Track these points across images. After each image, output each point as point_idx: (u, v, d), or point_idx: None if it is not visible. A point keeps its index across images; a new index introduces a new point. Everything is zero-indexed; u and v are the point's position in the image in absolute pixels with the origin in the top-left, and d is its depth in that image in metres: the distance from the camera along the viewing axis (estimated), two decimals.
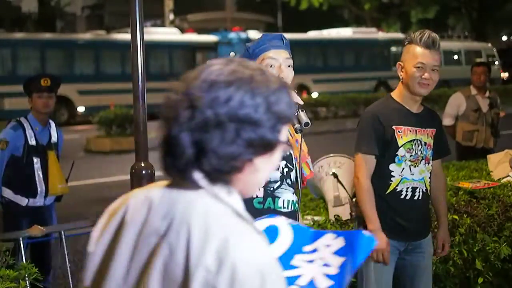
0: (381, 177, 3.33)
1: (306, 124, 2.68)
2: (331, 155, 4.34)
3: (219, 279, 1.29)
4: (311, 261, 1.82)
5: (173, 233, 1.36)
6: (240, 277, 1.28)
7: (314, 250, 1.85)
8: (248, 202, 1.88)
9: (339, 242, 1.83)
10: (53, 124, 5.02)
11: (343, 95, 21.66)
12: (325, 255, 1.82)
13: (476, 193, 4.32)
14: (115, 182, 10.77)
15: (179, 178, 1.42)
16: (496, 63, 29.74)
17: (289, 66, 2.77)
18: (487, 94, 7.20)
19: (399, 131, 3.32)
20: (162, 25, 31.17)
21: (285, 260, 1.83)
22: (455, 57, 29.23)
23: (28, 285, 3.10)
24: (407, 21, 35.85)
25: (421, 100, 3.42)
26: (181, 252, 1.34)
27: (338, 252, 1.81)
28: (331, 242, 1.85)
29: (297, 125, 2.71)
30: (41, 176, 4.82)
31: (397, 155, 3.32)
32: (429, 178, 3.42)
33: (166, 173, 1.44)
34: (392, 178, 3.33)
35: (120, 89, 20.29)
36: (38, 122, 4.87)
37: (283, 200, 2.76)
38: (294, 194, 2.82)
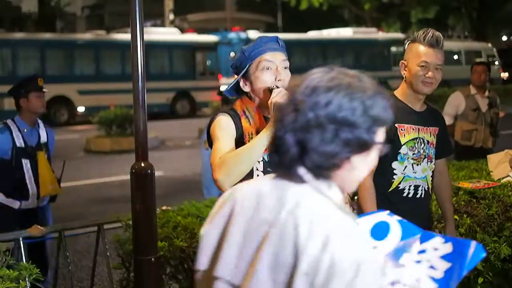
0: (383, 175, 3.31)
1: None
2: None
3: (320, 266, 1.43)
4: (418, 262, 1.85)
5: (282, 223, 1.51)
6: (337, 267, 1.42)
7: (423, 251, 1.87)
8: None
9: (447, 248, 1.84)
10: (41, 124, 4.95)
11: None
12: (432, 257, 1.84)
13: (476, 193, 4.31)
14: (115, 182, 10.72)
15: (286, 174, 1.58)
16: (496, 63, 29.74)
17: (285, 67, 2.74)
18: (487, 93, 7.17)
19: (401, 129, 3.32)
20: (162, 25, 31.18)
21: (394, 258, 1.86)
22: (455, 57, 29.21)
23: (28, 285, 3.10)
24: (407, 21, 35.82)
25: (424, 99, 3.43)
26: (290, 239, 1.48)
27: (445, 257, 1.82)
28: (439, 246, 1.86)
29: None
30: (31, 177, 4.78)
31: (399, 153, 3.31)
32: (431, 176, 3.42)
33: (274, 169, 1.62)
34: (394, 176, 3.33)
35: (120, 89, 20.32)
36: (26, 123, 4.81)
37: None
38: None
